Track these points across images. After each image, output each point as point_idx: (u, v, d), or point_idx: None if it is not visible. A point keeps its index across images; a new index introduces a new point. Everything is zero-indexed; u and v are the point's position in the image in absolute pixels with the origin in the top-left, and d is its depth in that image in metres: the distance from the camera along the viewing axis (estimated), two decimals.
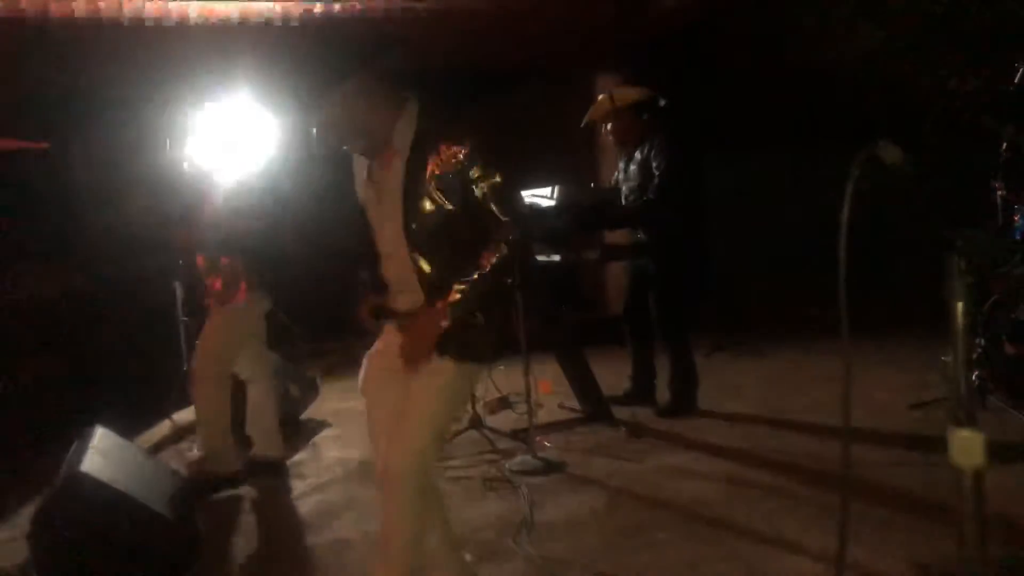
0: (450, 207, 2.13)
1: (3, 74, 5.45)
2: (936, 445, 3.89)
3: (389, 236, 2.22)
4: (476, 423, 4.36)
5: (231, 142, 3.84)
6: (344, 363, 6.53)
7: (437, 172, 2.13)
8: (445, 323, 2.10)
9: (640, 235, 4.53)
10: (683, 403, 4.42)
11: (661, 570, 2.67)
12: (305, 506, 3.55)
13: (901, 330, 5.76)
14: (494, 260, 2.13)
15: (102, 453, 2.99)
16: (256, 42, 5.68)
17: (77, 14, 5.23)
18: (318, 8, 5.53)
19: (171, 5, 5.22)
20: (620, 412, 4.49)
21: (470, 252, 2.15)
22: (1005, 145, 4.23)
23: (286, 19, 5.63)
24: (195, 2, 5.24)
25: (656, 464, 3.76)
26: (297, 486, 3.80)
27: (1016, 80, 3.94)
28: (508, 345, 2.26)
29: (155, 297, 5.14)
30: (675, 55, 6.47)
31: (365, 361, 2.37)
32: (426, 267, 2.17)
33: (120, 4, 5.19)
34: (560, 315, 4.66)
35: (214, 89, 3.81)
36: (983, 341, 4.03)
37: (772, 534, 2.87)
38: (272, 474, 3.86)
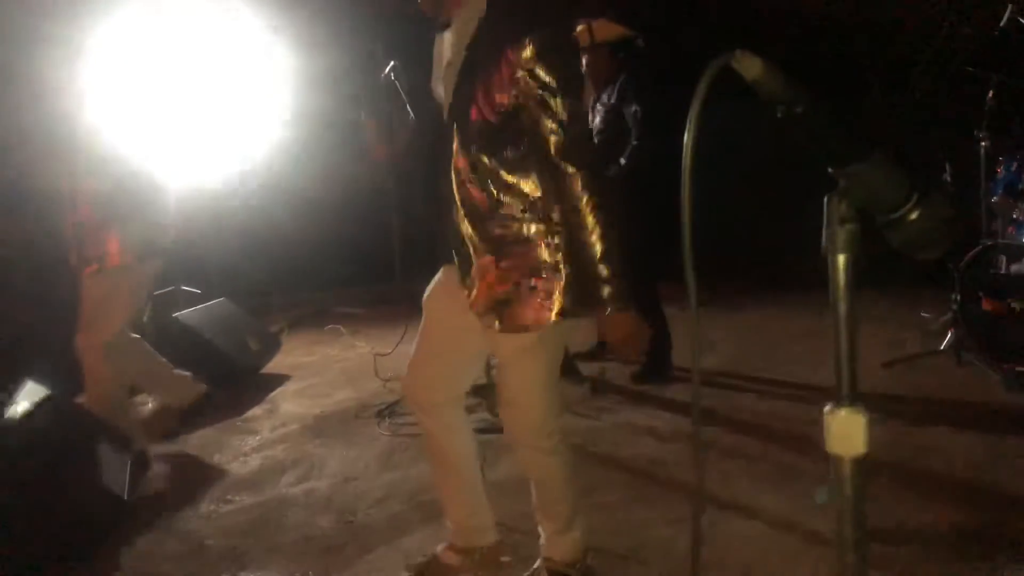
0: (496, 121, 1.75)
1: None
2: (908, 404, 3.76)
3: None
4: None
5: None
6: (311, 316, 6.41)
7: (497, 76, 1.74)
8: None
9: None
10: (658, 367, 4.18)
11: (607, 534, 2.57)
12: (252, 463, 3.44)
13: (876, 286, 5.61)
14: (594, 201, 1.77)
15: (33, 408, 2.86)
16: None
17: None
18: None
19: None
20: (589, 369, 4.37)
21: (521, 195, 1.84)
22: (991, 93, 4.06)
23: None
24: None
25: (616, 422, 3.65)
26: (247, 441, 3.69)
27: (1001, 24, 3.73)
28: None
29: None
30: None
31: (439, 275, 2.14)
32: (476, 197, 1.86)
33: None
34: None
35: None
36: (958, 297, 3.90)
37: (725, 497, 2.77)
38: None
